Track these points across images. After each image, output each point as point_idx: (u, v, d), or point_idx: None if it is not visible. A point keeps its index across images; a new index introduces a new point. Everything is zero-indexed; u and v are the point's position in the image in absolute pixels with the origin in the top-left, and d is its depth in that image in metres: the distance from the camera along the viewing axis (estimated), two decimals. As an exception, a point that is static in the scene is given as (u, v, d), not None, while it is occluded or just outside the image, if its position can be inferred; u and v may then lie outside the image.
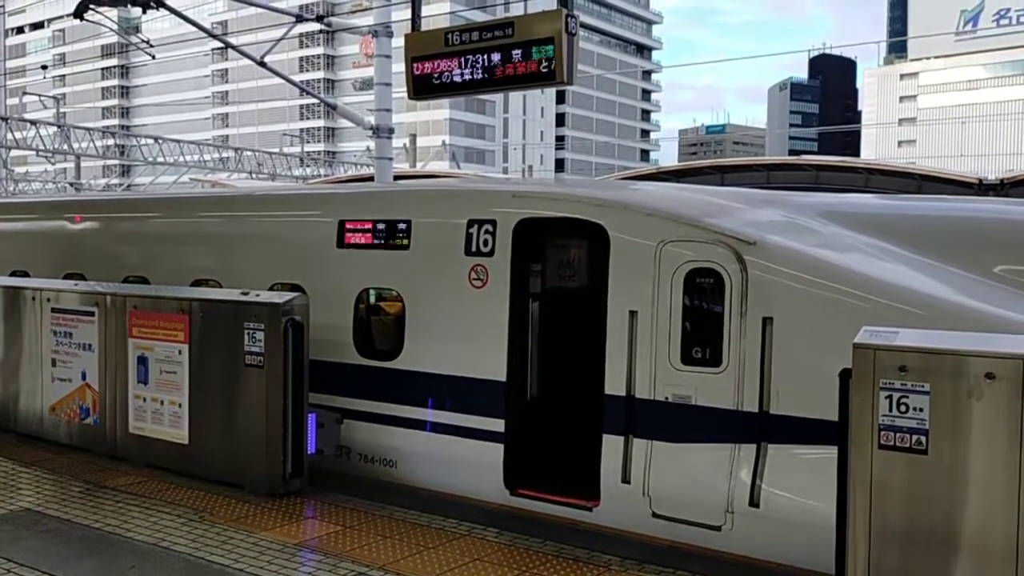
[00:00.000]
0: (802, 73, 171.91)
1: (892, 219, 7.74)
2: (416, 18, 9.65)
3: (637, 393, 6.95)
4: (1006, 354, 4.68)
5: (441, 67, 9.11)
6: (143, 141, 41.14)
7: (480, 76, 8.87)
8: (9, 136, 35.17)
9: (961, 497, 4.77)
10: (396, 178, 20.70)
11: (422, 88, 9.38)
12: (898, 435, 4.86)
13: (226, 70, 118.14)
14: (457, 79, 9.05)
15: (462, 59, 8.95)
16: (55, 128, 37.60)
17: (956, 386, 4.74)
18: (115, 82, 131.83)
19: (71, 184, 44.22)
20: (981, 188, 21.93)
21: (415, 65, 9.37)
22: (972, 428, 4.73)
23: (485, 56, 8.79)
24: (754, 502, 6.39)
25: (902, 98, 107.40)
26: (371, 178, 22.52)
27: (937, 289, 6.56)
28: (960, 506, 4.77)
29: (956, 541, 4.79)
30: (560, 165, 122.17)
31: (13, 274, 11.53)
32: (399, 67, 12.56)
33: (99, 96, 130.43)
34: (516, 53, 8.58)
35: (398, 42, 14.63)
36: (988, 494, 4.70)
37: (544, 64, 8.42)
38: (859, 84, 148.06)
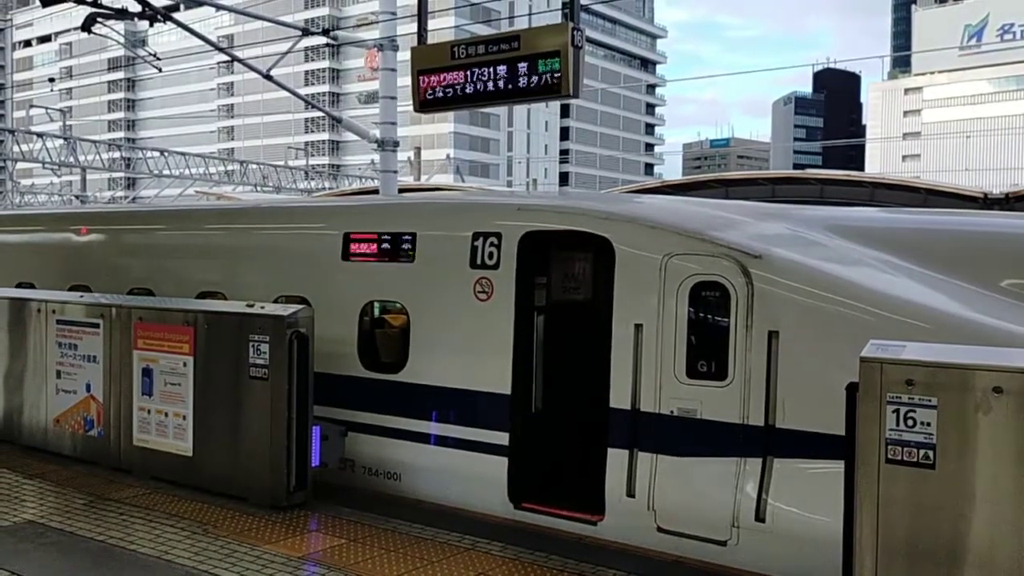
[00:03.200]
0: (806, 87, 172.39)
1: (898, 233, 7.73)
2: (423, 31, 9.67)
3: (642, 407, 6.93)
4: (1014, 368, 4.65)
5: (447, 80, 9.14)
6: (149, 154, 41.27)
7: (486, 89, 8.89)
8: (16, 148, 35.33)
9: (968, 512, 4.73)
10: (400, 191, 20.74)
11: (428, 101, 9.40)
12: (905, 449, 4.83)
13: (232, 83, 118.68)
14: (463, 92, 9.07)
15: (468, 72, 8.97)
16: (61, 141, 37.75)
17: (964, 400, 4.72)
18: (121, 95, 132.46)
19: (77, 196, 44.37)
20: (986, 202, 21.90)
21: (421, 78, 9.40)
22: (980, 443, 4.70)
23: (491, 69, 8.81)
24: (760, 517, 6.36)
25: (906, 112, 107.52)
26: (376, 191, 22.57)
27: (944, 303, 6.54)
28: (967, 521, 4.74)
29: (963, 556, 4.76)
30: (564, 179, 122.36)
31: (19, 286, 11.55)
32: (404, 80, 12.60)
33: (105, 109, 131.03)
34: (522, 66, 8.60)
35: (403, 55, 14.69)
36: (996, 509, 4.67)
37: (550, 77, 8.45)
38: (863, 98, 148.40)
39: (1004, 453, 4.64)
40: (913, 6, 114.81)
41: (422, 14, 9.82)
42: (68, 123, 53.88)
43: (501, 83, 8.80)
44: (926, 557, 4.82)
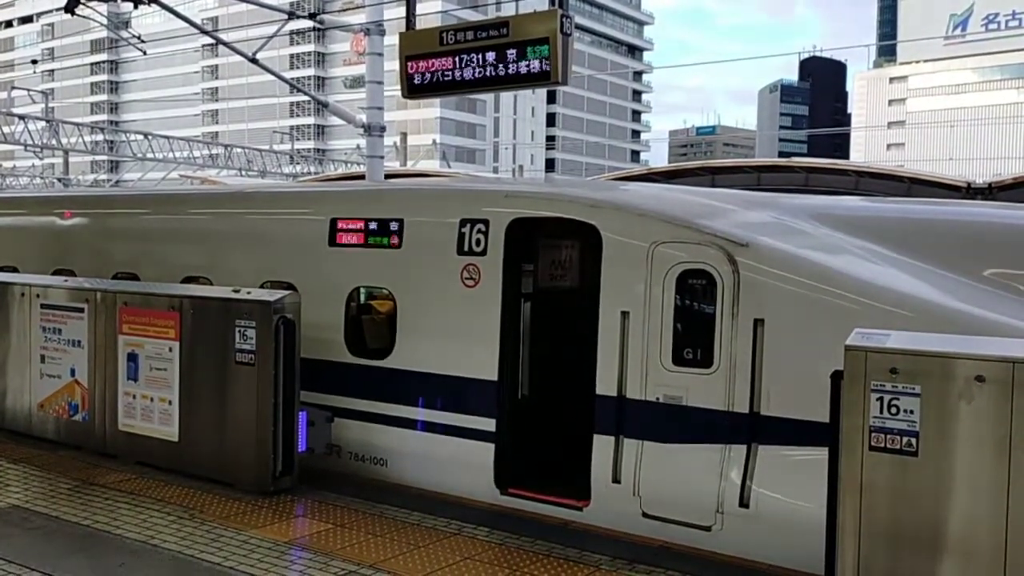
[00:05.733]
0: (792, 75, 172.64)
1: (883, 222, 7.78)
2: (411, 17, 9.64)
3: (628, 393, 6.96)
4: (996, 357, 4.71)
5: (436, 66, 9.13)
6: (132, 137, 40.87)
7: (475, 76, 8.88)
8: (-3, 131, 34.88)
9: (950, 499, 4.80)
10: (387, 177, 20.66)
11: (416, 87, 9.38)
12: (888, 437, 4.88)
13: (216, 66, 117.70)
14: (452, 78, 9.06)
15: (457, 58, 8.96)
16: (44, 123, 37.34)
17: (946, 388, 4.77)
18: (104, 77, 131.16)
19: (59, 179, 43.96)
20: (969, 192, 22.01)
21: (409, 64, 9.38)
22: (962, 430, 4.75)
23: (480, 55, 8.80)
24: (744, 503, 6.42)
25: (891, 101, 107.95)
26: (362, 176, 22.48)
27: (927, 292, 6.60)
28: (949, 508, 4.80)
29: (944, 543, 4.82)
30: (550, 165, 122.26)
31: (2, 270, 11.46)
32: (390, 65, 12.54)
33: (88, 91, 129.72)
34: (511, 53, 8.61)
35: (390, 40, 14.60)
36: (976, 496, 4.74)
37: (539, 64, 8.45)
38: (849, 87, 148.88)
39: (985, 441, 4.70)
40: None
41: (410, -1, 9.79)
42: (50, 105, 53.29)
43: (489, 69, 8.79)
44: (908, 543, 4.88)
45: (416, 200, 8.78)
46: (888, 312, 6.17)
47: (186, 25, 18.67)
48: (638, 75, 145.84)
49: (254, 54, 17.73)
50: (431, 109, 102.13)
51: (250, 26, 33.41)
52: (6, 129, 34.93)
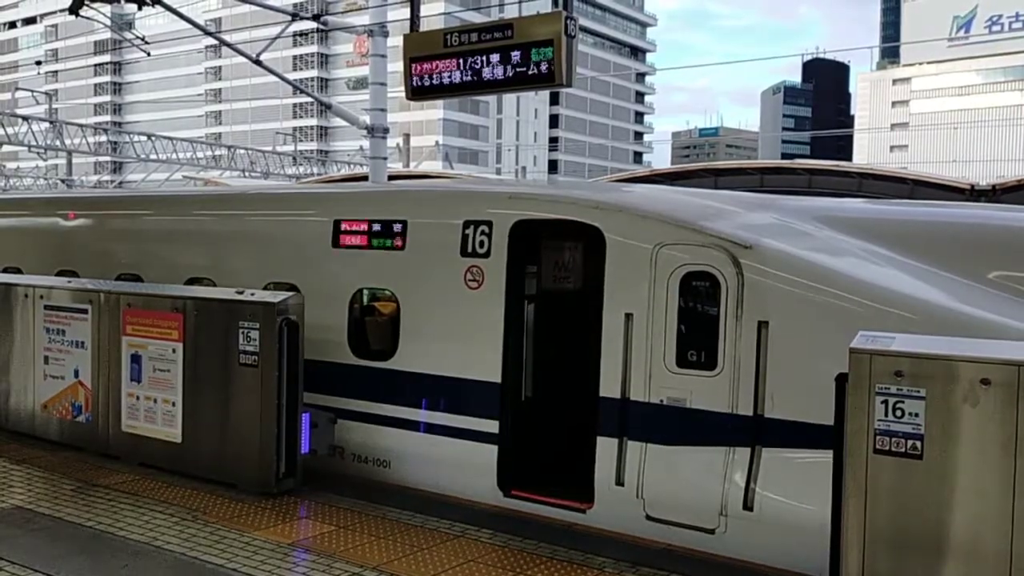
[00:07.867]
0: (795, 77, 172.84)
1: (886, 224, 7.76)
2: (415, 19, 9.66)
3: (632, 395, 6.95)
4: (1001, 360, 4.70)
5: (440, 68, 9.15)
6: (135, 138, 40.98)
7: (478, 78, 8.90)
8: (1, 131, 34.97)
9: (955, 502, 4.79)
10: (390, 178, 20.68)
11: (420, 89, 9.40)
12: (893, 440, 4.87)
13: (219, 67, 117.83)
14: (456, 80, 9.08)
15: (461, 60, 8.98)
16: (47, 124, 37.42)
17: (951, 391, 4.76)
18: (108, 78, 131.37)
19: (63, 180, 44.04)
20: (973, 194, 21.99)
21: (413, 66, 9.39)
22: (967, 433, 4.74)
23: (484, 57, 8.83)
24: (748, 505, 6.40)
25: (895, 103, 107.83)
26: (365, 177, 22.49)
27: (931, 294, 6.59)
28: (953, 511, 4.79)
29: (949, 546, 4.81)
30: (553, 166, 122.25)
31: (5, 271, 11.47)
32: (393, 66, 12.55)
33: (92, 92, 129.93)
34: (515, 55, 8.63)
35: (393, 41, 14.62)
36: (981, 500, 4.72)
37: (543, 66, 8.46)
38: (852, 88, 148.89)
39: (991, 444, 4.69)
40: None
41: (414, 1, 9.79)
42: (54, 106, 53.38)
43: (494, 71, 8.80)
44: (912, 546, 4.87)
45: (419, 202, 8.78)
46: (892, 315, 6.16)
47: (190, 26, 18.69)
48: (641, 77, 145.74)
49: (258, 55, 17.76)
50: (434, 111, 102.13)
51: (254, 27, 33.47)
52: (10, 130, 35.02)
